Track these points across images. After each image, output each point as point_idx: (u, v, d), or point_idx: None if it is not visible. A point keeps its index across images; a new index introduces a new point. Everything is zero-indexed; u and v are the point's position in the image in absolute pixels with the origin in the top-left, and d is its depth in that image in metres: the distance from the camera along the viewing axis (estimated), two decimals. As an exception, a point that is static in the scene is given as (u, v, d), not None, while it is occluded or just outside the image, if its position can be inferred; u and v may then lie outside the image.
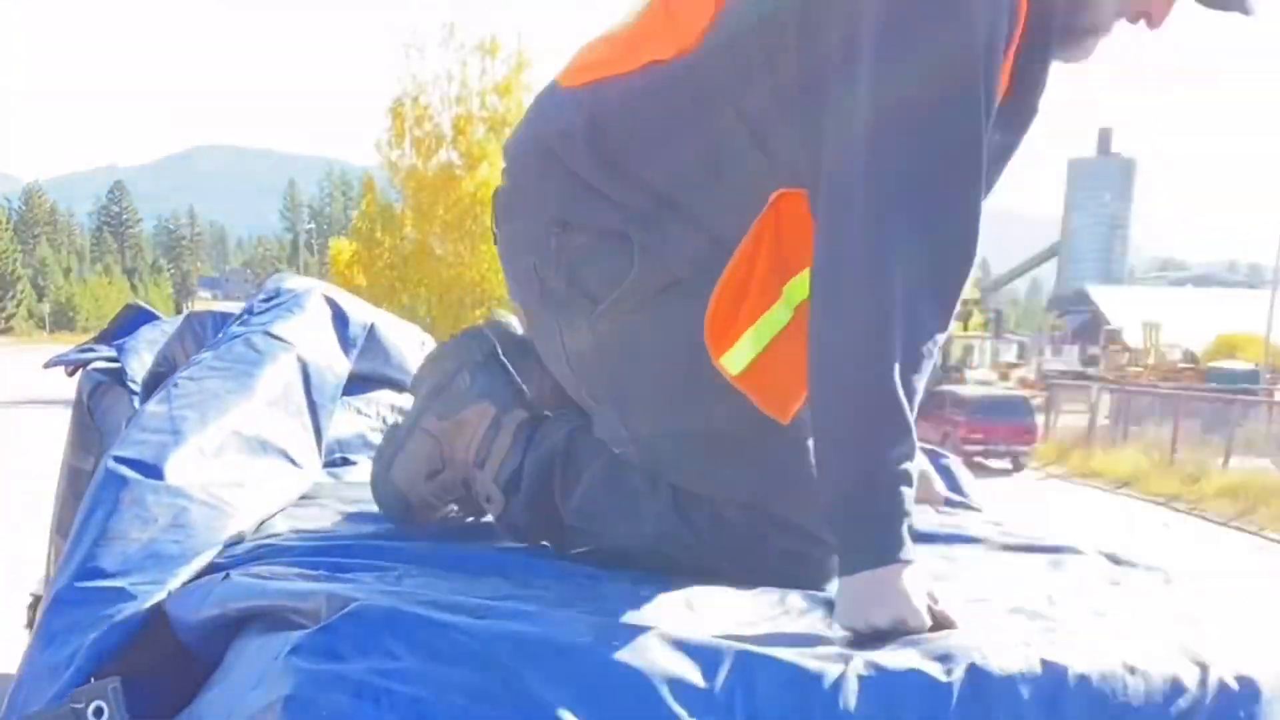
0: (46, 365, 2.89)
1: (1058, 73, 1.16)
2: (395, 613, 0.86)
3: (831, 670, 0.87)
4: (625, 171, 1.18)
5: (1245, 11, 1.11)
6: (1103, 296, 57.32)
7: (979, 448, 21.19)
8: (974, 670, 0.88)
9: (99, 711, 0.93)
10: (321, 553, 1.12)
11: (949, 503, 1.57)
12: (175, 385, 1.38)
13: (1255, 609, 1.12)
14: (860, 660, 0.88)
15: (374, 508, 1.34)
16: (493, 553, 1.15)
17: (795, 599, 1.08)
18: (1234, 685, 0.94)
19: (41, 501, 2.84)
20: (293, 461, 1.41)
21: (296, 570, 1.03)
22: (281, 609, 0.94)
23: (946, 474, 1.82)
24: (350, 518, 1.34)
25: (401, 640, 0.84)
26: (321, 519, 1.32)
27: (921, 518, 1.46)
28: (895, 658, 0.89)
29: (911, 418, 1.02)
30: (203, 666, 1.00)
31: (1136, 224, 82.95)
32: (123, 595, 1.06)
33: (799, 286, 1.11)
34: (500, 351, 1.29)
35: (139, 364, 2.37)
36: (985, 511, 1.58)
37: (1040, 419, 23.00)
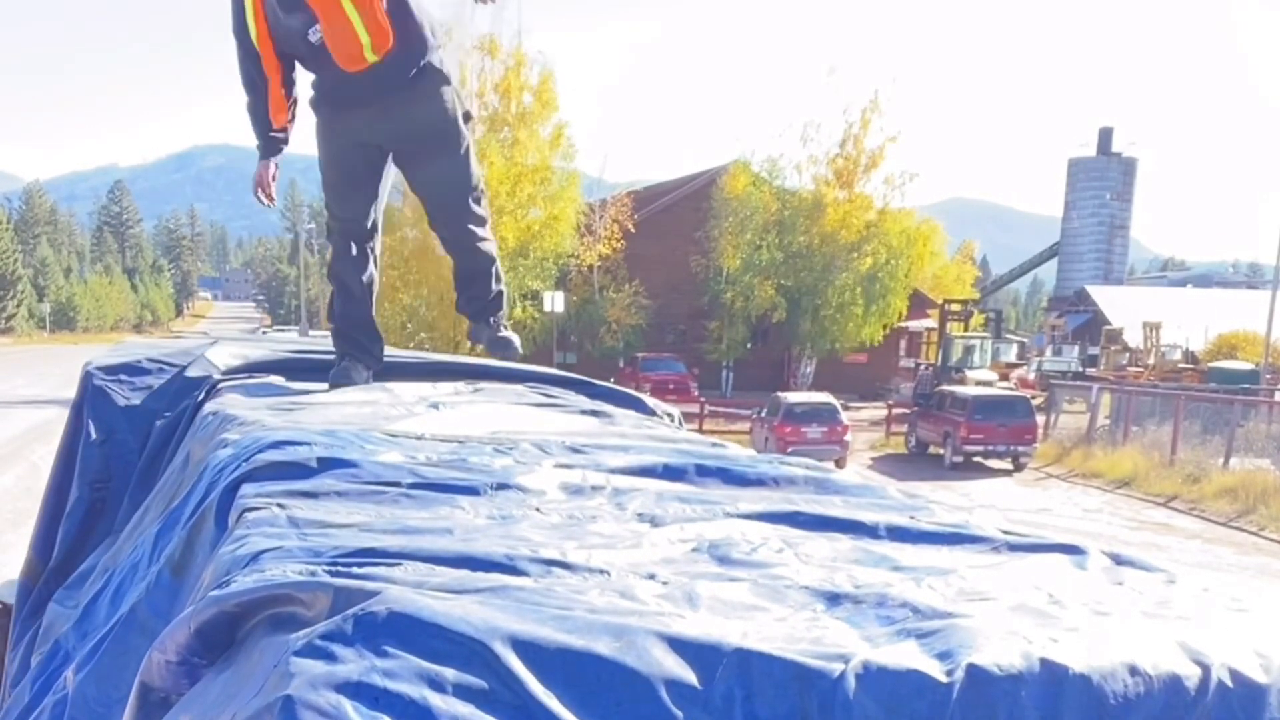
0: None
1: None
2: (395, 612, 0.86)
3: (831, 669, 0.86)
4: None
5: None
6: (1103, 296, 57.35)
7: (979, 448, 21.18)
8: (974, 670, 0.88)
9: None
10: (326, 550, 1.11)
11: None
12: None
13: (1256, 609, 1.11)
14: (860, 660, 0.88)
15: (368, 502, 1.34)
16: (498, 548, 1.15)
17: (796, 594, 1.08)
18: (1234, 685, 0.93)
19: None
20: None
21: (298, 566, 1.03)
22: (283, 606, 0.94)
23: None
24: (351, 512, 1.34)
25: (401, 639, 0.84)
26: (321, 513, 1.32)
27: (924, 518, 1.46)
28: (895, 657, 0.89)
29: None
30: (203, 662, 1.00)
31: (1136, 224, 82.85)
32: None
33: None
34: None
35: None
36: (986, 511, 1.58)
37: (1040, 419, 22.99)
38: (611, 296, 34.63)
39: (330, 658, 0.82)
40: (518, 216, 30.77)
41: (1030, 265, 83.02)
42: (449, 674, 0.81)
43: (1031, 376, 35.69)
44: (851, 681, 0.86)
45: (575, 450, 1.79)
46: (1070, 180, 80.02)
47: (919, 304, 37.86)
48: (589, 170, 37.60)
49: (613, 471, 1.64)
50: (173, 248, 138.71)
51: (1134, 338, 42.89)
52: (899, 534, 1.37)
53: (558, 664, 0.84)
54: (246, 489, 1.39)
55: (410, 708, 0.78)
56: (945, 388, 24.33)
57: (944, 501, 1.61)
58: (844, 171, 34.03)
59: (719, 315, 35.44)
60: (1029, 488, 19.72)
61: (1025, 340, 47.28)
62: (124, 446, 2.37)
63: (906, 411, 25.61)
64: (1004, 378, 30.36)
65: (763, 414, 21.94)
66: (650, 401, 2.92)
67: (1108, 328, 46.69)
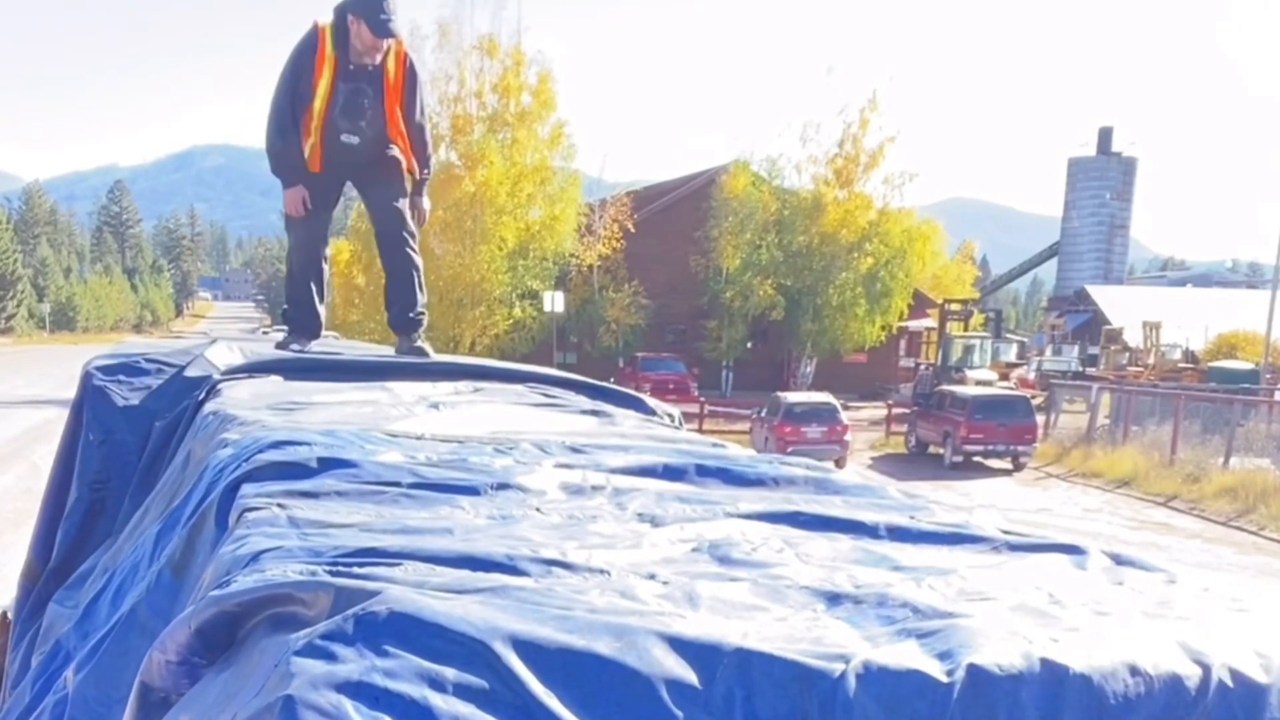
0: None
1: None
2: (396, 612, 0.86)
3: (831, 669, 0.86)
4: None
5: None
6: (1103, 296, 57.34)
7: (979, 448, 21.19)
8: (974, 670, 0.88)
9: None
10: (326, 550, 1.11)
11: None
12: None
13: (1256, 609, 1.11)
14: (860, 660, 0.88)
15: (368, 502, 1.35)
16: (498, 548, 1.15)
17: (796, 594, 1.08)
18: (1234, 685, 0.94)
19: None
20: None
21: (298, 566, 1.03)
22: (283, 606, 0.94)
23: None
24: (351, 512, 1.34)
25: (401, 639, 0.84)
26: (321, 513, 1.32)
27: (924, 518, 1.46)
28: (895, 657, 0.89)
29: None
30: (203, 661, 1.00)
31: (1136, 224, 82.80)
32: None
33: None
34: None
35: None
36: (986, 510, 1.58)
37: (1040, 419, 22.98)
38: (611, 296, 34.61)
39: (331, 657, 0.82)
40: (517, 216, 30.76)
41: (1030, 265, 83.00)
42: (450, 674, 0.81)
43: (1031, 376, 35.68)
44: (852, 681, 0.86)
45: (575, 450, 1.79)
46: (1070, 180, 79.94)
47: (919, 304, 37.85)
48: (589, 170, 37.64)
49: (613, 471, 1.64)
50: (172, 248, 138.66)
51: (1134, 337, 42.89)
52: (899, 534, 1.37)
53: (558, 664, 0.84)
54: (247, 489, 1.39)
55: (411, 708, 0.78)
56: (945, 387, 24.33)
57: (944, 501, 1.61)
58: (843, 171, 34.04)
59: (719, 315, 35.44)
60: (1029, 487, 19.72)
61: (1025, 340, 47.24)
62: (123, 447, 2.36)
63: (906, 411, 25.61)
64: (1004, 377, 30.35)
65: (763, 414, 21.94)
66: (650, 401, 2.92)
67: (1107, 327, 46.68)
